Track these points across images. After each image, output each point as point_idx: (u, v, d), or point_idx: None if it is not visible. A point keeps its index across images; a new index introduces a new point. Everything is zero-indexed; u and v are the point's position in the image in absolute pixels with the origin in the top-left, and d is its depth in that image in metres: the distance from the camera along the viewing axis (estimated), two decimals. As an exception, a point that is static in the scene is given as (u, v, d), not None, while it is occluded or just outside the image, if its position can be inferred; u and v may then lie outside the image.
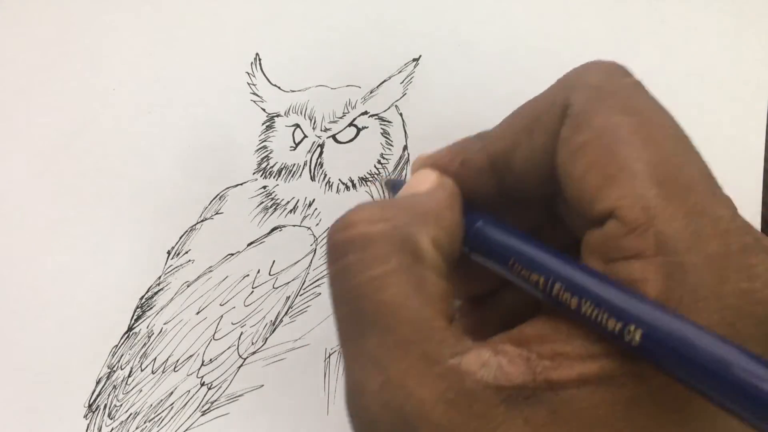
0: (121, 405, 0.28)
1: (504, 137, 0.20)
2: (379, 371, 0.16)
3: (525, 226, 0.20)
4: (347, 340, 0.18)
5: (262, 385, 0.28)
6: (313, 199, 0.29)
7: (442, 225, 0.19)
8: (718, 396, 0.13)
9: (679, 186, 0.16)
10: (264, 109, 0.30)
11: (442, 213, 0.19)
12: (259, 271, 0.29)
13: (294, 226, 0.29)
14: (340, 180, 0.30)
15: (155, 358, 0.29)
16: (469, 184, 0.21)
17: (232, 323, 0.28)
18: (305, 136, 0.30)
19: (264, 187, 0.30)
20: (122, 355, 0.29)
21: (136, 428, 0.28)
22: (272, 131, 0.30)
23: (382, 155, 0.30)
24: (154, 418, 0.28)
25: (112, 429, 0.28)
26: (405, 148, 0.30)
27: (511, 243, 0.18)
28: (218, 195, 0.30)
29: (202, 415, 0.28)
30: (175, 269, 0.29)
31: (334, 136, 0.30)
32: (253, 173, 0.30)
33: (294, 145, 0.30)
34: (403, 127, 0.30)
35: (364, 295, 0.17)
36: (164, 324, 0.29)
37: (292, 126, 0.30)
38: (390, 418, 0.16)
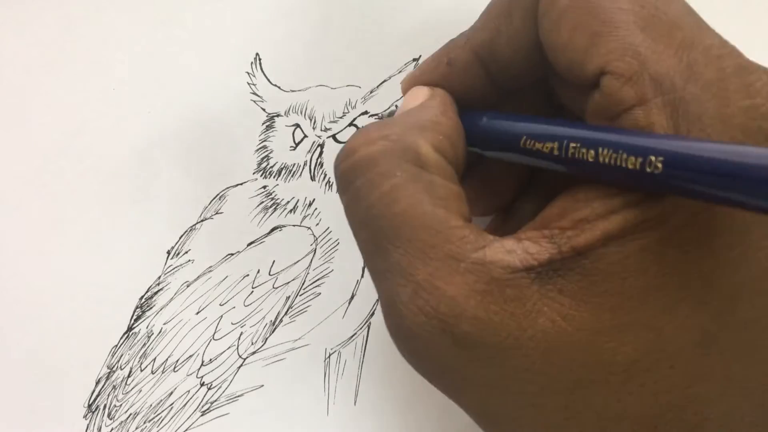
0: (121, 405, 0.28)
1: (485, 27, 0.20)
2: (407, 280, 0.16)
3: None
4: (372, 261, 0.18)
5: (262, 385, 0.28)
6: (313, 199, 0.29)
7: (439, 130, 0.19)
8: (747, 197, 0.13)
9: (664, 26, 0.16)
10: (264, 109, 0.30)
11: (437, 119, 0.20)
12: (259, 271, 0.29)
13: (294, 226, 0.29)
14: (340, 180, 0.30)
15: (155, 358, 0.28)
16: (460, 84, 0.21)
17: (232, 323, 0.28)
18: (305, 136, 0.30)
19: (264, 187, 0.30)
20: (122, 355, 0.29)
21: (136, 428, 0.28)
22: (272, 131, 0.30)
23: (382, 155, 0.30)
24: (153, 418, 0.28)
25: (112, 429, 0.28)
26: (405, 148, 0.30)
27: (520, 125, 0.18)
28: (218, 195, 0.30)
29: (202, 415, 0.28)
30: (175, 269, 0.29)
31: (334, 136, 0.30)
32: (253, 173, 0.30)
33: (294, 145, 0.30)
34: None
35: (378, 213, 0.17)
36: (164, 324, 0.29)
37: (292, 126, 0.30)
38: (427, 322, 0.16)
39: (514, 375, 0.16)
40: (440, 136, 0.19)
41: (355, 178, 0.18)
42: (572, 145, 0.16)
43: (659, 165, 0.14)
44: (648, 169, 0.14)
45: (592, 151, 0.16)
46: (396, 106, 0.30)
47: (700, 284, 0.15)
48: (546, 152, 0.17)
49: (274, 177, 0.30)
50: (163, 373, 0.28)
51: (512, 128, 0.19)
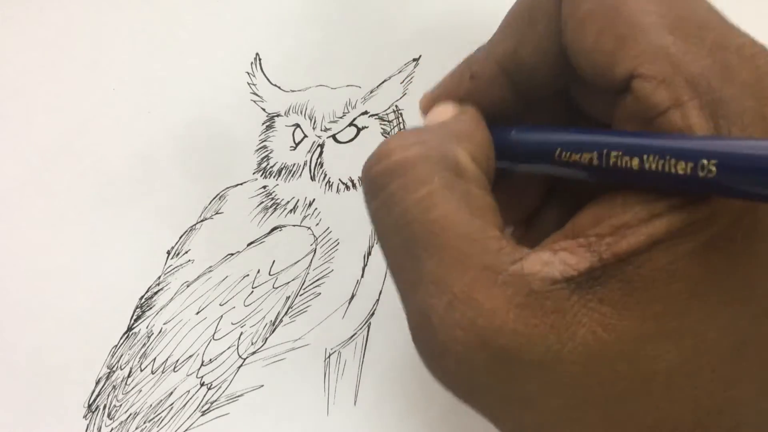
0: (121, 405, 0.28)
1: (506, 37, 0.20)
2: (443, 291, 0.16)
3: None
4: (402, 270, 0.17)
5: (262, 385, 0.28)
6: (313, 199, 0.29)
7: (475, 142, 0.19)
8: None
9: (694, 27, 0.16)
10: (264, 109, 0.30)
11: (472, 132, 0.19)
12: (259, 271, 0.29)
13: (294, 226, 0.29)
14: (340, 180, 0.30)
15: (155, 359, 0.28)
16: (485, 98, 0.21)
17: (232, 323, 0.28)
18: (305, 136, 0.30)
19: (264, 186, 0.30)
20: (122, 355, 0.29)
21: (136, 428, 0.28)
22: (272, 131, 0.30)
23: (382, 155, 0.30)
24: (153, 418, 0.28)
25: (112, 429, 0.28)
26: (405, 148, 0.30)
27: (553, 136, 0.18)
28: (218, 195, 0.30)
29: (202, 415, 0.28)
30: (175, 269, 0.29)
31: (334, 136, 0.30)
32: (253, 173, 0.30)
33: (294, 145, 0.30)
34: (403, 127, 0.30)
35: (413, 219, 0.17)
36: (164, 324, 0.29)
37: (292, 126, 0.30)
38: (463, 337, 0.15)
39: (553, 389, 0.15)
40: (476, 147, 0.19)
41: (389, 182, 0.17)
42: (614, 153, 0.16)
43: (713, 168, 0.14)
44: (701, 173, 0.14)
45: (636, 159, 0.15)
46: (396, 106, 0.30)
47: (743, 287, 0.15)
48: (584, 163, 0.17)
49: (274, 177, 0.30)
50: (163, 373, 0.28)
51: (545, 140, 0.18)
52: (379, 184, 0.18)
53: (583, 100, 0.21)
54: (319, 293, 0.29)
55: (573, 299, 0.15)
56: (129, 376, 0.28)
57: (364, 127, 0.30)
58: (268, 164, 0.30)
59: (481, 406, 0.17)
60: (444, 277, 0.16)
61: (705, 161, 0.14)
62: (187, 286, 0.29)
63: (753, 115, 0.15)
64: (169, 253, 0.30)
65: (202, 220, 0.30)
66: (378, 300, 0.28)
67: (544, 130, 0.19)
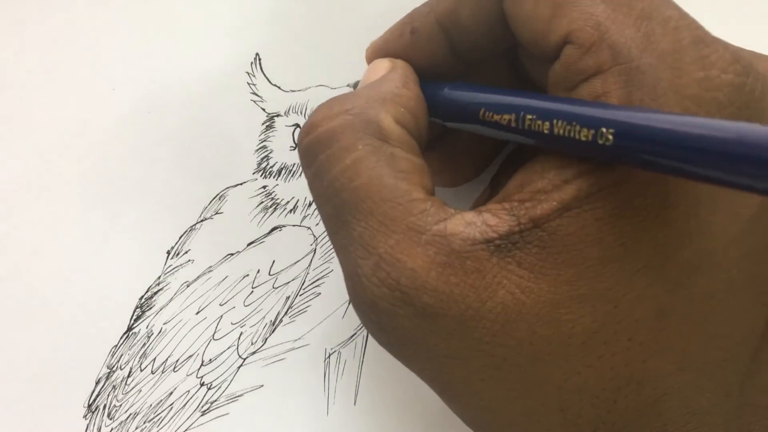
0: (121, 405, 0.28)
1: None
2: (369, 253, 0.16)
3: None
4: (335, 235, 0.18)
5: (262, 385, 0.28)
6: (313, 199, 0.29)
7: (400, 102, 0.19)
8: (695, 168, 0.13)
9: None
10: (264, 109, 0.30)
11: (398, 92, 0.20)
12: (258, 271, 0.29)
13: (294, 226, 0.29)
14: (340, 180, 0.30)
15: (155, 358, 0.28)
16: (423, 54, 0.21)
17: (232, 323, 0.28)
18: (305, 136, 0.30)
19: (264, 186, 0.30)
20: (122, 355, 0.29)
21: (136, 428, 0.28)
22: (272, 131, 0.30)
23: (382, 155, 0.30)
24: (153, 418, 0.28)
25: (112, 429, 0.28)
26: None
27: (479, 95, 0.18)
28: (218, 195, 0.30)
29: (202, 415, 0.28)
30: (175, 269, 0.29)
31: (334, 136, 0.30)
32: (253, 173, 0.30)
33: (294, 145, 0.30)
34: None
35: (340, 187, 0.17)
36: (164, 324, 0.29)
37: (292, 126, 0.30)
38: (388, 294, 0.16)
39: (474, 346, 0.16)
40: (402, 108, 0.19)
41: (317, 153, 0.18)
42: (528, 116, 0.16)
43: (610, 137, 0.14)
44: (600, 141, 0.14)
45: (547, 123, 0.16)
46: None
47: (656, 256, 0.16)
48: (504, 124, 0.17)
49: (274, 177, 0.30)
50: (163, 373, 0.28)
51: (471, 99, 0.19)
52: (310, 155, 0.18)
53: (526, 64, 0.21)
54: (319, 293, 0.29)
55: (493, 261, 0.16)
56: (129, 376, 0.28)
57: (364, 127, 0.30)
58: (268, 164, 0.30)
59: (409, 360, 0.18)
60: (370, 240, 0.16)
61: (604, 129, 0.14)
62: (187, 286, 0.29)
63: (666, 86, 0.15)
64: (169, 253, 0.30)
65: (202, 220, 0.30)
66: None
67: (474, 89, 0.19)
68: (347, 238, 0.17)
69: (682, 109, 0.15)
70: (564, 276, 0.15)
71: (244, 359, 0.28)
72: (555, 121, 0.15)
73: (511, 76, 0.23)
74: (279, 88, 0.31)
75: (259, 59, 0.31)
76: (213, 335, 0.28)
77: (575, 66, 0.16)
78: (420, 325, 0.16)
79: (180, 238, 0.30)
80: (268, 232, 0.29)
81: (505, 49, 0.21)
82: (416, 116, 0.19)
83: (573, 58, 0.16)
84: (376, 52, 0.22)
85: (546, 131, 0.16)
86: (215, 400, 0.28)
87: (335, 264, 0.29)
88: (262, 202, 0.30)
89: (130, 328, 0.29)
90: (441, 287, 0.16)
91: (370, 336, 0.28)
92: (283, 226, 0.29)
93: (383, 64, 0.21)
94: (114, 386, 0.28)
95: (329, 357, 0.28)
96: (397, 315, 0.16)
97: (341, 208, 0.17)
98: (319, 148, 0.18)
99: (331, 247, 0.29)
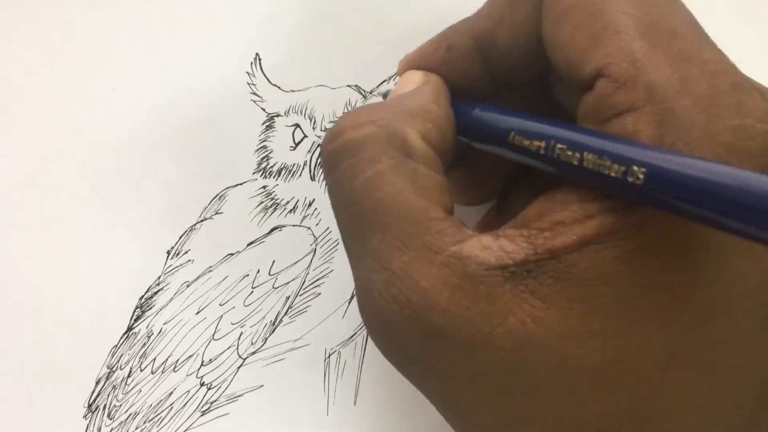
0: (121, 405, 0.28)
1: (488, 15, 0.20)
2: (383, 268, 0.16)
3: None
4: (351, 245, 0.18)
5: (262, 385, 0.28)
6: (313, 199, 0.29)
7: (429, 119, 0.19)
8: (724, 217, 0.13)
9: (664, 35, 0.16)
10: (264, 109, 0.30)
11: (428, 107, 0.19)
12: (258, 271, 0.29)
13: (294, 226, 0.29)
14: (340, 180, 0.30)
15: (155, 359, 0.28)
16: (457, 71, 0.21)
17: (232, 323, 0.28)
18: (305, 136, 0.30)
19: (264, 187, 0.30)
20: (122, 355, 0.29)
21: (136, 428, 0.28)
22: (272, 131, 0.30)
23: (382, 155, 0.30)
24: (153, 418, 0.28)
25: (112, 429, 0.28)
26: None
27: (510, 119, 0.18)
28: (218, 195, 0.30)
29: (202, 415, 0.28)
30: (175, 269, 0.29)
31: (334, 136, 0.30)
32: (253, 173, 0.30)
33: (294, 145, 0.30)
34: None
35: (360, 198, 0.17)
36: (164, 324, 0.29)
37: (292, 126, 0.30)
38: (398, 311, 0.16)
39: (480, 370, 0.16)
40: (429, 124, 0.19)
41: (340, 161, 0.18)
42: (559, 146, 0.16)
43: (641, 176, 0.14)
44: (629, 179, 0.14)
45: (577, 155, 0.15)
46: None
47: (672, 299, 0.15)
48: (533, 150, 0.17)
49: (274, 177, 0.30)
50: (163, 373, 0.28)
51: (502, 122, 0.18)
52: (332, 162, 0.18)
53: (557, 91, 0.21)
54: (319, 293, 0.29)
55: (506, 287, 0.15)
56: (129, 376, 0.28)
57: (364, 127, 0.30)
58: (268, 164, 0.30)
59: (415, 378, 0.18)
60: (385, 255, 0.16)
61: (635, 168, 0.14)
62: (187, 286, 0.29)
63: (700, 131, 0.15)
64: (169, 253, 0.30)
65: (202, 220, 0.30)
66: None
67: (505, 112, 0.19)
68: (362, 250, 0.17)
69: (714, 155, 0.15)
70: (576, 310, 0.15)
71: (244, 359, 0.28)
72: (585, 154, 0.15)
73: (540, 101, 0.22)
74: (279, 88, 0.31)
75: (259, 59, 0.31)
76: (213, 335, 0.28)
77: (608, 100, 0.16)
78: (427, 344, 0.16)
79: (180, 238, 0.30)
80: (268, 232, 0.29)
81: (538, 74, 0.21)
82: (443, 133, 0.19)
83: (606, 92, 0.16)
84: (408, 66, 0.22)
85: (575, 163, 0.16)
86: (215, 400, 0.28)
87: (335, 264, 0.29)
88: (262, 202, 0.30)
89: (130, 328, 0.29)
90: (451, 309, 0.15)
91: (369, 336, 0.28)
92: (283, 226, 0.29)
93: (417, 77, 0.21)
94: (114, 386, 0.28)
95: (329, 357, 0.28)
96: (405, 333, 0.16)
97: (359, 219, 0.17)
98: (343, 156, 0.18)
99: (331, 247, 0.29)
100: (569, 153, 0.16)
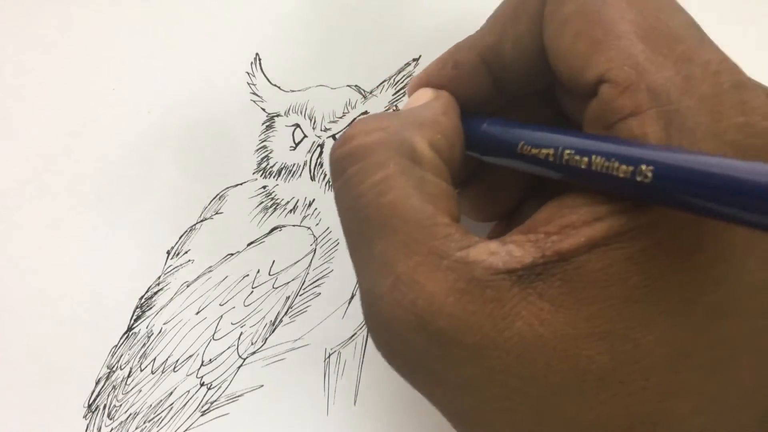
0: (121, 405, 0.28)
1: (491, 30, 0.21)
2: (388, 272, 0.16)
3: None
4: (356, 249, 0.18)
5: (262, 385, 0.28)
6: (313, 199, 0.29)
7: (438, 129, 0.19)
8: (735, 210, 0.13)
9: (665, 38, 0.16)
10: (264, 109, 0.30)
11: (437, 118, 0.20)
12: (258, 271, 0.29)
13: (294, 226, 0.29)
14: (340, 180, 0.30)
15: (155, 359, 0.28)
16: (465, 88, 0.21)
17: (232, 323, 0.28)
18: (305, 136, 0.30)
19: (264, 186, 0.30)
20: (122, 355, 0.29)
21: (136, 428, 0.28)
22: (272, 131, 0.30)
23: (382, 155, 0.30)
24: (153, 418, 0.28)
25: (112, 429, 0.28)
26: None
27: (518, 131, 0.19)
28: (218, 195, 0.30)
29: (202, 415, 0.28)
30: (175, 269, 0.29)
31: (334, 136, 0.30)
32: (253, 173, 0.30)
33: (294, 145, 0.30)
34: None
35: (367, 202, 0.17)
36: (164, 324, 0.29)
37: (292, 126, 0.30)
38: (403, 316, 0.16)
39: (487, 376, 0.16)
40: (438, 134, 0.19)
41: (348, 166, 0.18)
42: (567, 151, 0.16)
43: (649, 174, 0.14)
44: (638, 178, 0.14)
45: (585, 159, 0.16)
46: (396, 106, 0.30)
47: (682, 299, 0.15)
48: (542, 158, 0.17)
49: (274, 177, 0.30)
50: (163, 373, 0.28)
51: (510, 134, 0.19)
52: (340, 166, 0.18)
53: (562, 100, 0.21)
54: (319, 293, 0.29)
55: (514, 291, 0.15)
56: (129, 376, 0.28)
57: (364, 127, 0.30)
58: (268, 164, 0.30)
59: (419, 384, 0.18)
60: (391, 259, 0.16)
61: (643, 167, 0.14)
62: (187, 286, 0.29)
63: (706, 130, 0.15)
64: (169, 253, 0.30)
65: (202, 220, 0.30)
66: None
67: (513, 125, 0.19)
68: (368, 255, 0.17)
69: (720, 153, 0.15)
70: (585, 312, 0.15)
71: (244, 359, 0.28)
72: (593, 157, 0.15)
73: (548, 114, 0.23)
74: (279, 88, 0.31)
75: (259, 59, 0.31)
76: (213, 335, 0.28)
77: (612, 105, 0.16)
78: (433, 350, 0.16)
79: (180, 238, 0.30)
80: (268, 232, 0.29)
81: (545, 86, 0.21)
82: (451, 144, 0.19)
83: (610, 97, 0.16)
84: (418, 85, 0.22)
85: (584, 166, 0.16)
86: (215, 400, 0.28)
87: (335, 264, 0.29)
88: (262, 202, 0.30)
89: (130, 328, 0.29)
90: (458, 313, 0.15)
91: (369, 336, 0.28)
92: (283, 226, 0.29)
93: (427, 93, 0.22)
94: (114, 386, 0.28)
95: (329, 357, 0.28)
96: (410, 338, 0.16)
97: (365, 224, 0.17)
98: (351, 161, 0.18)
99: (331, 247, 0.29)
100: (577, 158, 0.16)
